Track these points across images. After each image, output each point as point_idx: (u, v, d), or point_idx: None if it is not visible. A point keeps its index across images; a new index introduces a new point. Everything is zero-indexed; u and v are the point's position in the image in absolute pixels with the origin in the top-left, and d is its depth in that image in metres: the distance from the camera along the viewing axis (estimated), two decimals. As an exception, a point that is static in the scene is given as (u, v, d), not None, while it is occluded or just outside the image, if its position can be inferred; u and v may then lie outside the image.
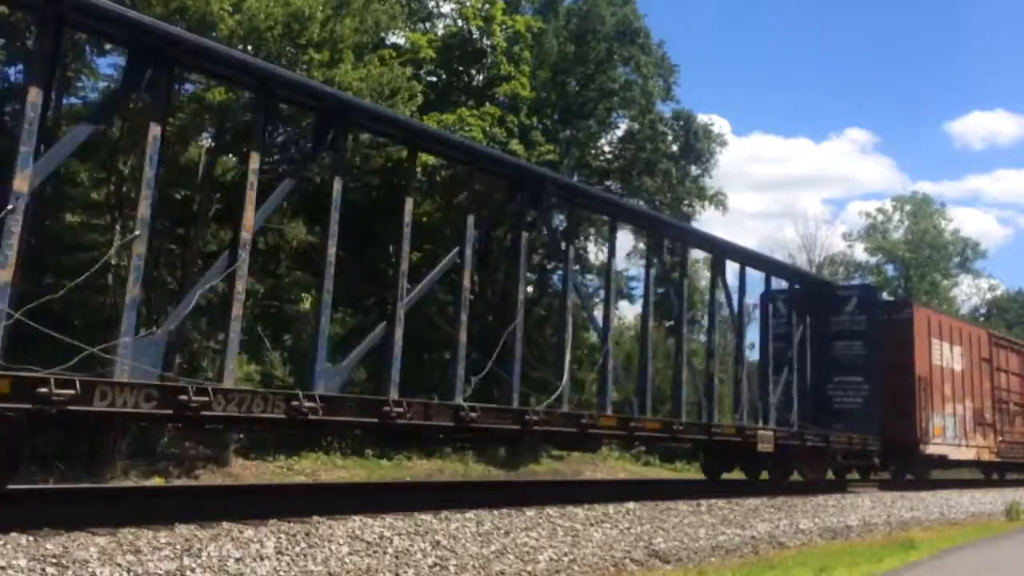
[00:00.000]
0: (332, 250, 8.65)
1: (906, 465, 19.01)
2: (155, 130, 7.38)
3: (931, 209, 58.60)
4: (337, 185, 8.74)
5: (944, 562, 10.86)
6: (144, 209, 7.29)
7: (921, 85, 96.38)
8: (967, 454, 20.35)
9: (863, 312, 17.40)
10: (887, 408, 17.09)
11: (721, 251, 14.75)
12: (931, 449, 18.35)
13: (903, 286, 52.74)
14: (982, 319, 53.75)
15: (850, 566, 9.57)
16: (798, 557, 10.26)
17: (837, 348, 17.33)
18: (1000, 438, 22.07)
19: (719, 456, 16.14)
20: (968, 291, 60.53)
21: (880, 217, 58.76)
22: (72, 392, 6.14)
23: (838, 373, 17.22)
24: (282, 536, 6.87)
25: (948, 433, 19.19)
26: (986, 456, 21.45)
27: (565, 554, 8.43)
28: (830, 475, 18.15)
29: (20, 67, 16.66)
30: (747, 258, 15.58)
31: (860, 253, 57.09)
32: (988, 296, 61.47)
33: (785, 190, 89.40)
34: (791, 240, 53.66)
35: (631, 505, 10.58)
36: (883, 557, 10.60)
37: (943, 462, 19.62)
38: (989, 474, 25.83)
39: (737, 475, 16.88)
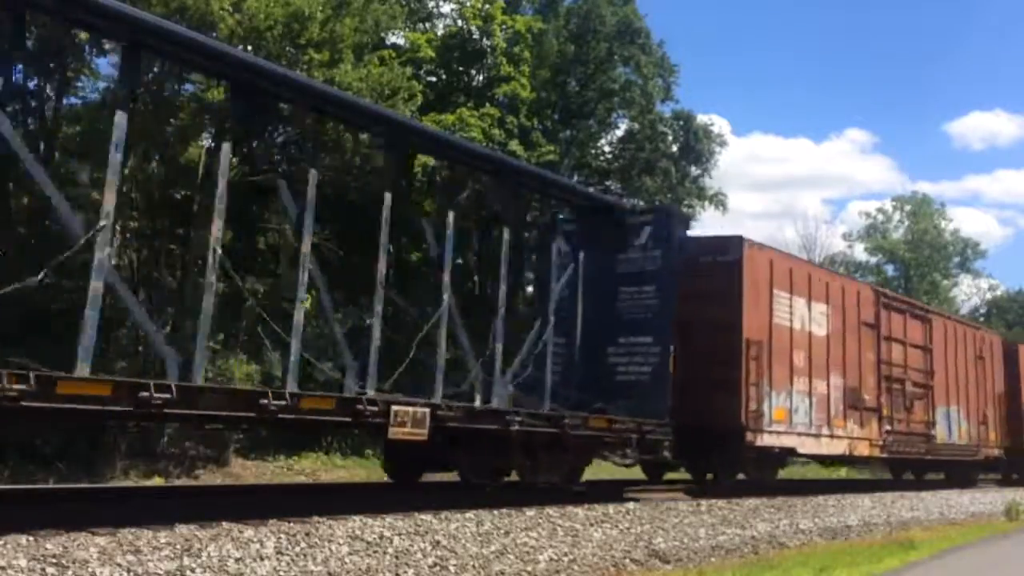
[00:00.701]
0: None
1: (729, 461, 13.47)
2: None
3: (931, 209, 58.65)
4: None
5: (944, 562, 10.87)
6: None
7: (920, 85, 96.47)
8: (832, 447, 15.01)
9: (658, 247, 11.99)
10: (701, 383, 12.23)
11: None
12: (767, 440, 13.06)
13: (903, 286, 52.74)
14: (982, 319, 53.75)
15: (850, 566, 9.58)
16: (798, 557, 10.26)
17: (623, 297, 12.13)
18: (887, 427, 16.48)
19: (405, 449, 10.15)
20: (968, 291, 60.60)
21: (880, 217, 58.86)
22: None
23: (623, 332, 12.01)
24: (282, 536, 6.87)
25: (798, 418, 13.85)
26: (864, 450, 15.89)
27: (565, 554, 8.44)
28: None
29: (20, 67, 16.65)
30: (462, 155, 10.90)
31: (860, 253, 57.23)
32: (988, 296, 61.54)
33: (785, 190, 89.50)
34: (791, 240, 53.75)
35: (631, 505, 10.59)
36: (883, 557, 10.61)
37: (789, 457, 15.24)
38: (899, 474, 22.17)
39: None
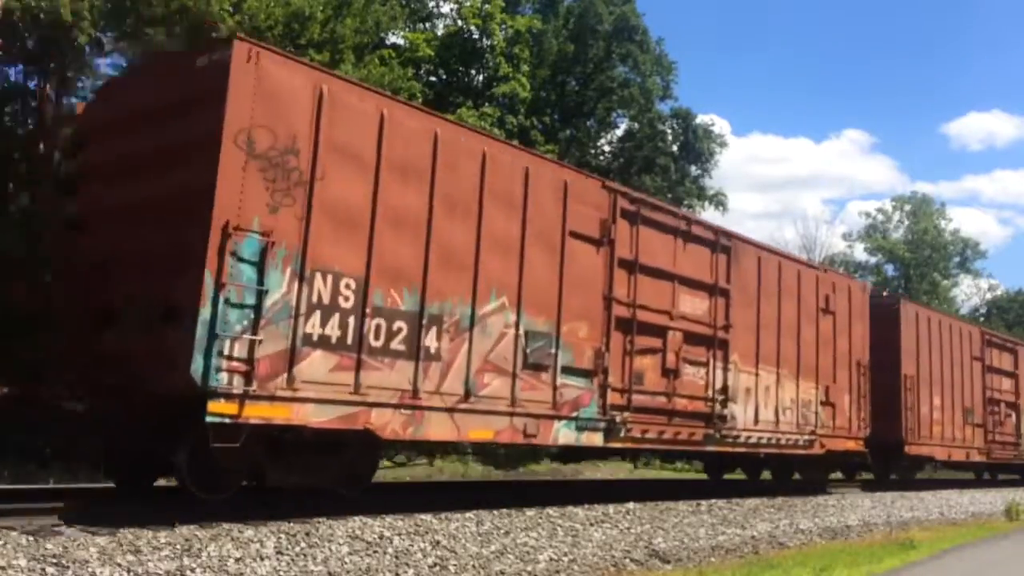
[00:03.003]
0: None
1: None
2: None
3: (931, 209, 58.72)
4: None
5: (944, 562, 10.86)
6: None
7: (918, 86, 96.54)
8: None
9: None
10: None
11: None
12: None
13: (903, 286, 52.75)
14: (982, 319, 53.71)
15: (850, 566, 9.57)
16: (798, 557, 10.25)
17: None
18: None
19: None
20: (968, 291, 60.64)
21: (880, 217, 58.95)
22: None
23: None
24: (282, 536, 6.88)
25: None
26: None
27: (565, 554, 8.43)
28: None
29: (20, 67, 16.67)
30: None
31: (860, 253, 57.26)
32: (988, 296, 61.53)
33: (785, 190, 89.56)
34: (791, 240, 53.81)
35: (631, 505, 10.59)
36: (883, 557, 10.61)
37: None
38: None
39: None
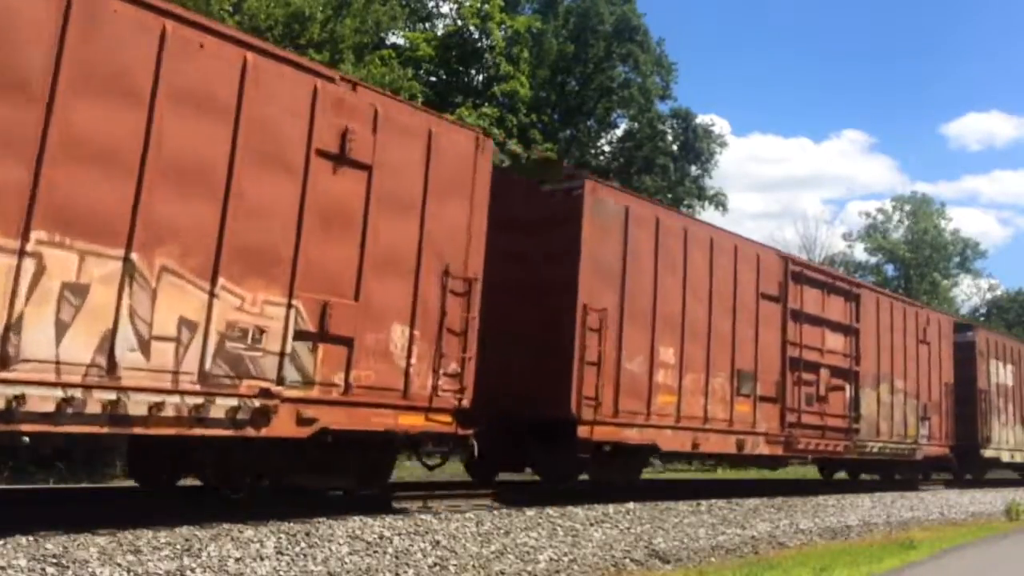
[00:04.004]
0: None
1: None
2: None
3: (931, 209, 58.77)
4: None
5: (944, 562, 10.86)
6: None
7: (917, 86, 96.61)
8: None
9: None
10: None
11: None
12: None
13: (903, 286, 52.77)
14: (982, 319, 53.72)
15: (850, 566, 9.57)
16: (798, 557, 10.25)
17: None
18: None
19: None
20: (968, 291, 60.66)
21: (880, 217, 58.99)
22: None
23: None
24: (282, 536, 6.88)
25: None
26: None
27: (565, 554, 8.43)
28: None
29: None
30: None
31: (860, 253, 57.28)
32: (988, 296, 61.55)
33: (785, 190, 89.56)
34: (791, 240, 53.83)
35: (631, 505, 10.59)
36: (883, 557, 10.60)
37: None
38: None
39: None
